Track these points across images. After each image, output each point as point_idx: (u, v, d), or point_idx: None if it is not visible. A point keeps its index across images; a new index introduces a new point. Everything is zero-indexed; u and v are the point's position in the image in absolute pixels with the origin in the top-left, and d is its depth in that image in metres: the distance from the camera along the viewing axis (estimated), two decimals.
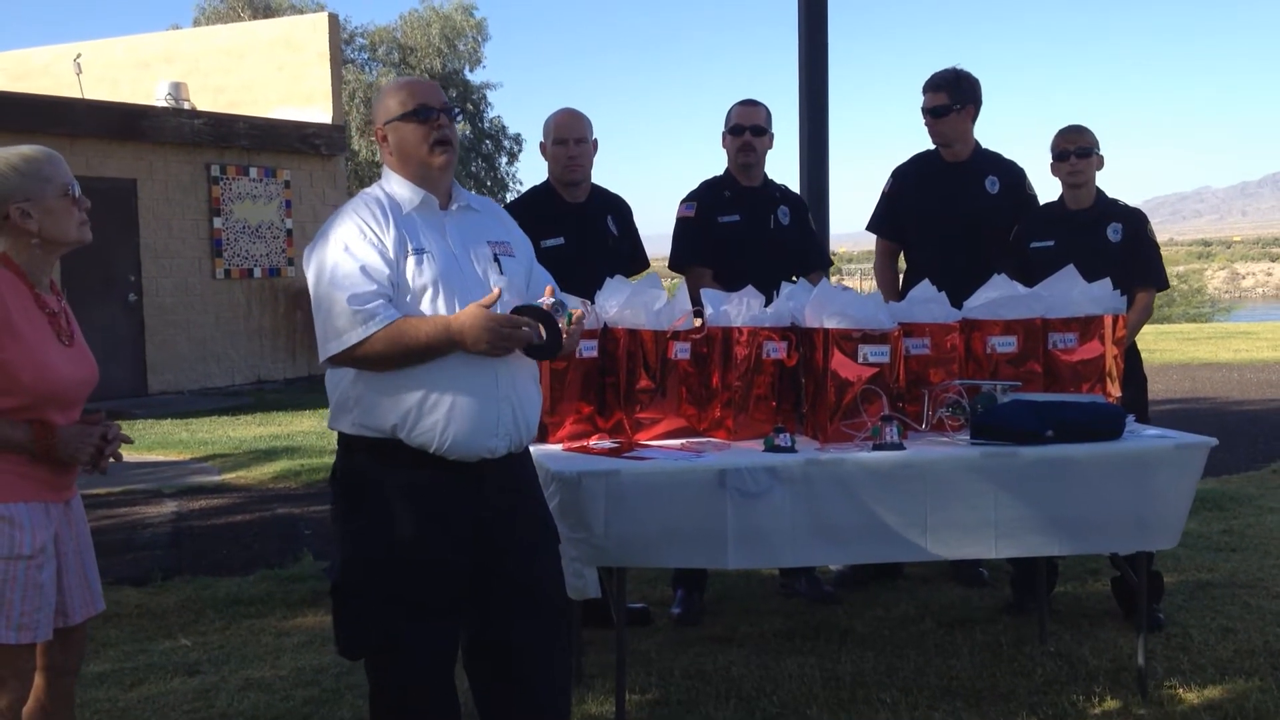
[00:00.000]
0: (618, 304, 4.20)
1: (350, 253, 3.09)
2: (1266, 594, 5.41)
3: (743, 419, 4.24)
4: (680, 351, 4.27)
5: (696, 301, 4.41)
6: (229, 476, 9.48)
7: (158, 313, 15.21)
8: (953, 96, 5.47)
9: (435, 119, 3.21)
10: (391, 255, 3.11)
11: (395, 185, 3.25)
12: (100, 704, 4.40)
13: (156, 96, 16.54)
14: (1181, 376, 14.82)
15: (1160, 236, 5.34)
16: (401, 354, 3.06)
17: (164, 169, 15.33)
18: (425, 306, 3.12)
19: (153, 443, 10.99)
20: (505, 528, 3.25)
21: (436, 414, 3.10)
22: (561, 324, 3.13)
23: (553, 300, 3.16)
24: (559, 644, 3.37)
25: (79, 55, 17.69)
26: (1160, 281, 5.23)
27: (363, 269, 3.06)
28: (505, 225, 3.43)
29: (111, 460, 3.09)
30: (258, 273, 16.40)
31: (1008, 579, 5.45)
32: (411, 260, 3.13)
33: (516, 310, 3.10)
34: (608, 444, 4.16)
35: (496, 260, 3.26)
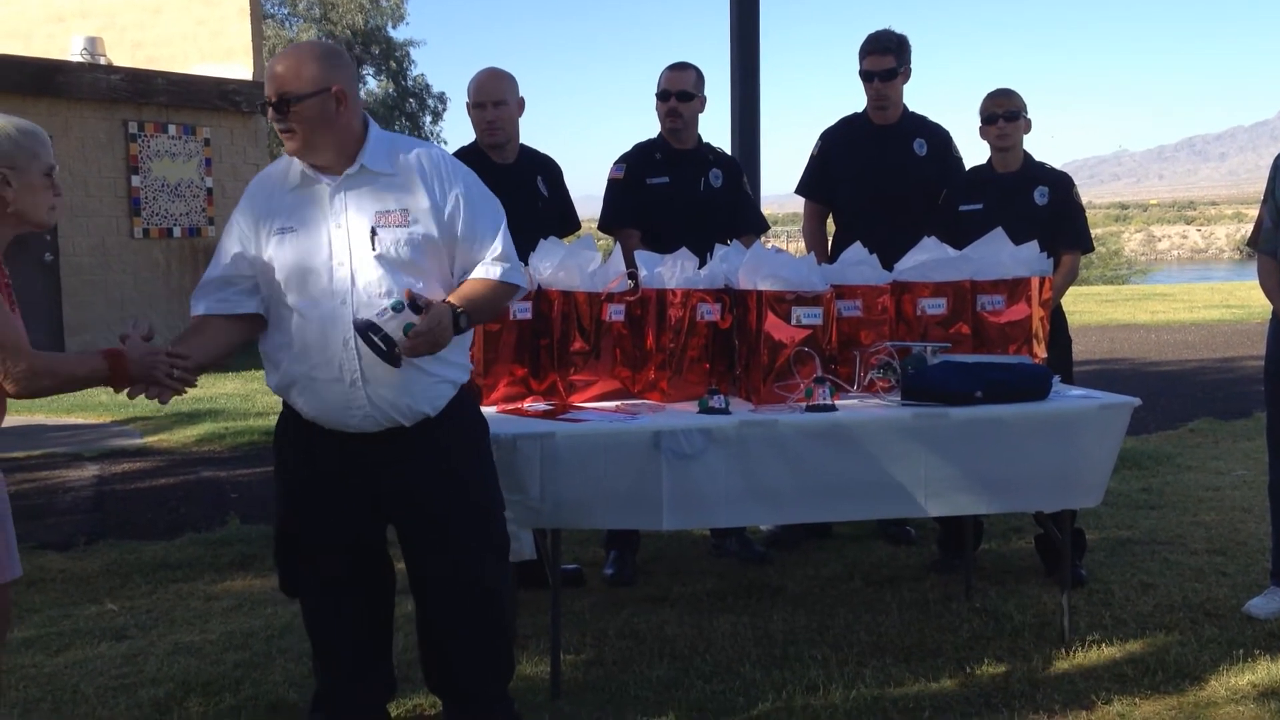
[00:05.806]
0: (552, 265, 4.18)
1: (226, 230, 3.24)
2: (1185, 550, 5.54)
3: (677, 381, 4.25)
4: (614, 313, 4.27)
5: (629, 263, 4.41)
6: (151, 440, 9.33)
7: (74, 272, 14.88)
8: (899, 59, 5.48)
9: (267, 113, 3.14)
10: (255, 236, 3.17)
11: (289, 158, 3.22)
12: (26, 669, 4.33)
13: (72, 51, 16.09)
14: (1100, 338, 15.08)
15: None
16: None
17: (80, 126, 14.95)
18: (280, 288, 3.16)
19: (71, 405, 10.77)
20: (410, 507, 3.31)
21: (295, 387, 3.21)
22: (395, 323, 2.99)
23: (383, 308, 3.03)
24: (492, 620, 3.42)
25: None
26: (1085, 244, 5.31)
27: (219, 250, 3.24)
28: (413, 188, 3.15)
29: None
30: (177, 232, 16.08)
31: (935, 537, 5.53)
32: (274, 240, 3.15)
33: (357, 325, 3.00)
34: (542, 406, 4.15)
35: (374, 233, 3.10)
